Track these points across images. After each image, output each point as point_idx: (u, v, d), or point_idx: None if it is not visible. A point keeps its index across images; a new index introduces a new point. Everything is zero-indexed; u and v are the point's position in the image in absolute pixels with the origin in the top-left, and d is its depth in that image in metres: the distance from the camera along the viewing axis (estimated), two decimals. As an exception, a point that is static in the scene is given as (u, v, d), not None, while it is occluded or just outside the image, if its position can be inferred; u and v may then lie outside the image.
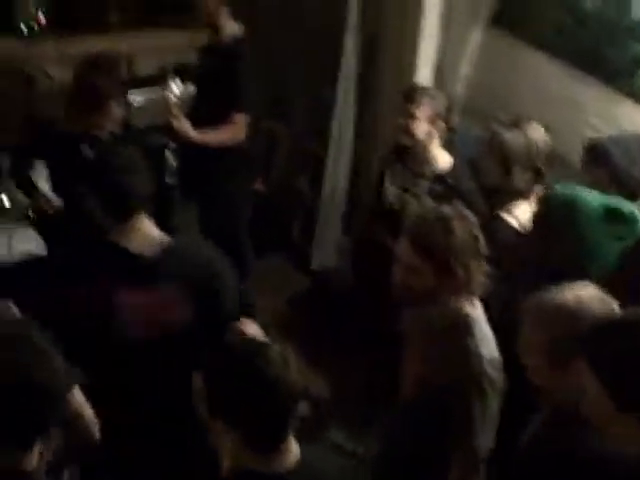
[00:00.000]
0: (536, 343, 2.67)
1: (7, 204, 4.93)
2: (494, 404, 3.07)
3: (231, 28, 5.17)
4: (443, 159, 4.44)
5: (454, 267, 3.03)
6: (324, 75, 6.01)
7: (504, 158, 3.84)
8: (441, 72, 5.41)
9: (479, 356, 3.04)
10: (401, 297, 3.19)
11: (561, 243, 3.31)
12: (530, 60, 4.97)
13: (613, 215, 3.34)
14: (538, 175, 3.88)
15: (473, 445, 3.08)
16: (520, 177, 3.85)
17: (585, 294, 2.67)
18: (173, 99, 5.11)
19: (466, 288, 3.09)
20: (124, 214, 3.36)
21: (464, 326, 3.09)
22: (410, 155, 4.48)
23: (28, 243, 4.89)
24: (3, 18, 6.01)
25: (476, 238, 3.08)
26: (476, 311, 3.13)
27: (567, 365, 2.54)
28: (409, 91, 4.47)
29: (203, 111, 5.19)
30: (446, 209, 3.13)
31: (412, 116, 4.33)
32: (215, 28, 5.21)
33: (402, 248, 3.13)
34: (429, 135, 4.36)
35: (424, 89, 4.50)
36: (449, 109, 4.43)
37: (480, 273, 3.09)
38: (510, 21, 5.08)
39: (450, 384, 3.04)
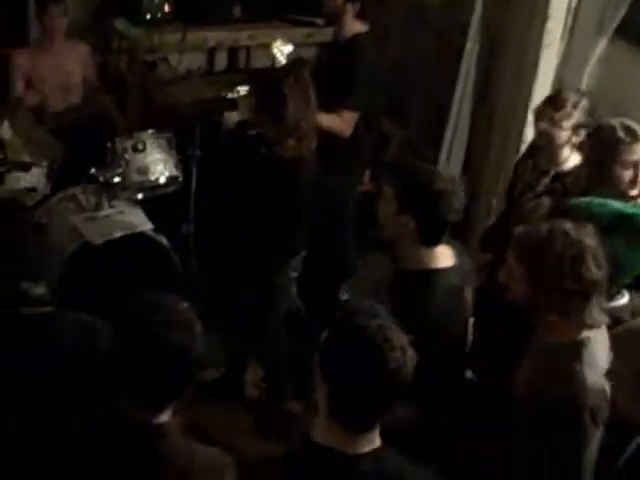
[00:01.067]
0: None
1: (117, 179, 5.03)
2: (592, 435, 2.93)
3: (354, 26, 5.16)
4: (574, 160, 4.35)
5: (549, 285, 2.95)
6: (443, 79, 5.97)
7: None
8: (561, 82, 5.32)
9: (582, 383, 2.92)
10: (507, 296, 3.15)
11: None
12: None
13: (628, 223, 3.30)
14: None
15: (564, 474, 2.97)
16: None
17: None
18: (281, 59, 5.04)
19: (566, 312, 2.98)
20: (438, 239, 3.40)
21: (572, 349, 2.98)
22: (542, 153, 4.40)
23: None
24: (130, 6, 6.12)
25: (582, 263, 2.95)
26: (591, 336, 3.00)
27: None
28: (557, 98, 4.31)
29: None
30: (564, 225, 3.04)
31: (556, 124, 4.24)
32: (339, 25, 5.22)
33: (511, 250, 3.10)
34: (567, 143, 4.28)
35: (572, 98, 4.29)
36: (592, 115, 4.30)
37: (591, 304, 2.97)
38: (635, 33, 4.97)
39: (551, 404, 2.93)
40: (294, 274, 4.75)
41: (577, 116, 4.22)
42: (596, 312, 2.99)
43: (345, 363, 2.39)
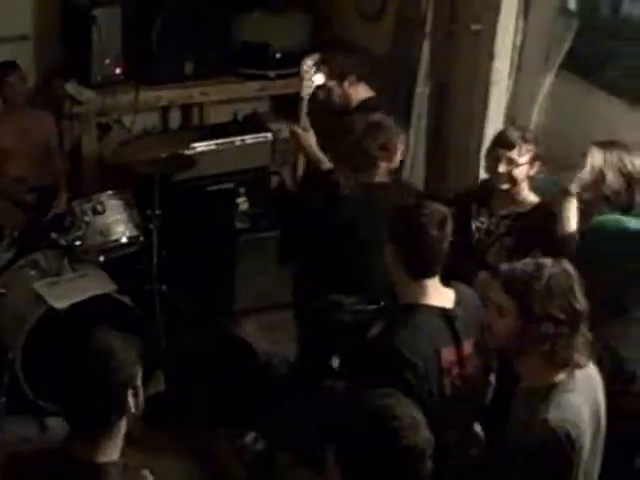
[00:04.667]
0: None
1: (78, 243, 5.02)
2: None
3: (360, 92, 5.09)
4: (532, 200, 4.35)
5: (539, 313, 2.95)
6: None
7: (595, 166, 3.93)
8: (512, 119, 5.38)
9: (544, 422, 2.90)
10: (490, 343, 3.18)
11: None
12: (604, 105, 4.92)
13: None
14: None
15: None
16: (610, 184, 3.89)
17: None
18: (310, 87, 4.88)
19: (552, 344, 2.97)
20: (428, 273, 3.34)
21: (542, 390, 2.99)
22: (500, 197, 4.39)
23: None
24: (80, 67, 6.13)
25: (571, 293, 2.98)
26: (568, 379, 3.00)
27: None
28: (503, 137, 4.33)
29: None
30: (548, 259, 3.06)
31: (515, 163, 4.24)
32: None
33: (494, 287, 3.10)
34: (525, 178, 4.30)
35: (517, 132, 4.32)
36: (538, 143, 4.32)
37: (577, 338, 2.99)
38: (582, 66, 5.05)
39: (518, 441, 2.95)
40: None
41: (530, 149, 4.26)
42: (582, 347, 3.00)
43: (362, 452, 2.41)
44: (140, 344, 2.74)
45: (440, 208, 3.37)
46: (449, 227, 3.34)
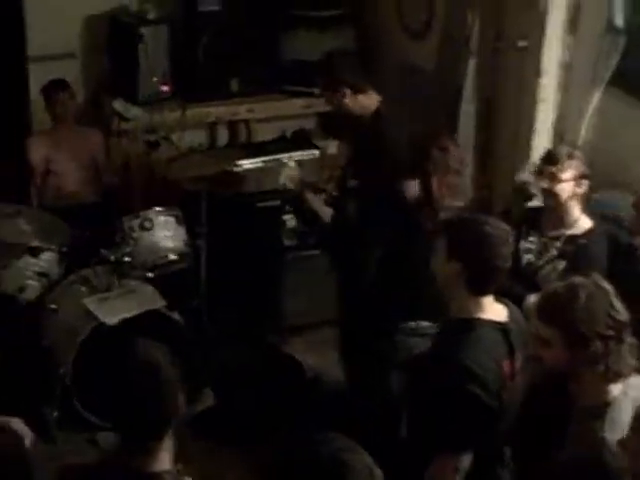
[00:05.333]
0: None
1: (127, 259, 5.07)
2: None
3: (365, 102, 4.96)
4: (584, 223, 4.34)
5: (586, 335, 2.95)
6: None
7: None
8: (560, 136, 5.37)
9: (602, 441, 2.88)
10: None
11: None
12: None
13: None
14: None
15: None
16: None
17: None
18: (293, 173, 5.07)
19: (605, 361, 2.97)
20: (488, 290, 3.33)
21: (597, 409, 2.99)
22: (549, 218, 4.40)
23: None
24: (127, 85, 6.21)
25: (611, 307, 2.98)
26: (620, 393, 3.01)
27: None
28: (550, 153, 4.35)
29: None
30: (579, 278, 3.06)
31: (557, 179, 4.25)
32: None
33: (534, 319, 3.09)
34: (572, 196, 4.29)
35: (565, 150, 4.35)
36: (588, 164, 4.31)
37: (624, 348, 2.98)
38: (630, 83, 5.03)
39: (575, 462, 2.93)
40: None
41: (575, 166, 4.25)
42: (629, 355, 3.00)
43: None
44: (170, 353, 2.80)
45: (504, 226, 3.36)
46: (512, 245, 3.35)
